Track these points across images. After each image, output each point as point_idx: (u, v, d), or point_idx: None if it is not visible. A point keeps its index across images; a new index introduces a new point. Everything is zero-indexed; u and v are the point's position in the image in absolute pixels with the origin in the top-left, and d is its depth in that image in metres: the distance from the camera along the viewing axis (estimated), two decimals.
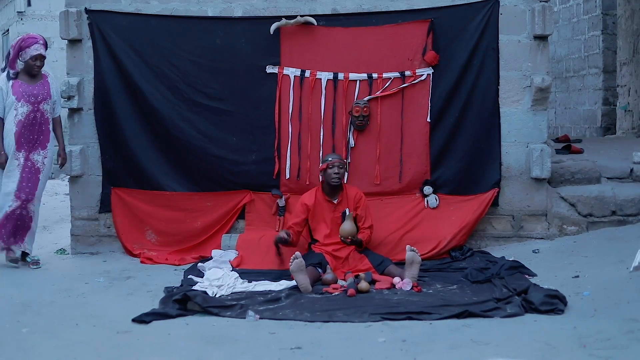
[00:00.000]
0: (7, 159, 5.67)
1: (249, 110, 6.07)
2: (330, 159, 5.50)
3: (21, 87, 5.72)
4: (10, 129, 5.67)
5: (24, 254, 5.80)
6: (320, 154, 5.97)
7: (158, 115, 6.07)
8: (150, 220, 6.11)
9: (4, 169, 5.68)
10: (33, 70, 5.73)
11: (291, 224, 5.52)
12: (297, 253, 4.90)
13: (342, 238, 5.31)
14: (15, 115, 5.67)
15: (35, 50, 5.67)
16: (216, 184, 6.10)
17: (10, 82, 5.73)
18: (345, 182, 5.76)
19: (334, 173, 5.42)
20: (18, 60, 5.71)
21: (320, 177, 5.61)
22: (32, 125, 5.73)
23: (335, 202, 5.51)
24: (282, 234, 5.39)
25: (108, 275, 5.35)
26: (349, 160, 5.97)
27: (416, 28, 5.95)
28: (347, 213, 5.39)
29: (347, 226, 5.30)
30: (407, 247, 5.06)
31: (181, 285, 4.99)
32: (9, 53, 5.80)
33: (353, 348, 3.71)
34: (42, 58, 5.73)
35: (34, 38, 5.74)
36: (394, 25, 5.98)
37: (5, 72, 5.79)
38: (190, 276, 5.19)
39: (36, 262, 5.75)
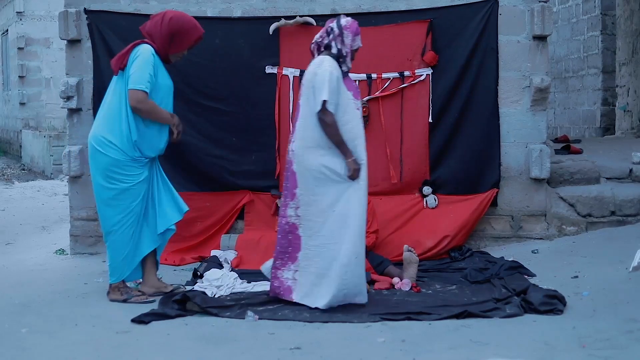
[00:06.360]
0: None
1: (249, 110, 6.06)
2: None
3: (350, 81, 4.67)
4: (358, 133, 4.65)
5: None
6: None
7: None
8: None
9: (354, 178, 4.56)
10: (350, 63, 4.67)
11: None
12: None
13: None
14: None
15: (359, 43, 4.69)
16: (216, 184, 6.10)
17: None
18: None
19: None
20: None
21: None
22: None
23: None
24: None
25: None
26: None
27: (415, 28, 5.95)
28: None
29: None
30: (405, 247, 5.07)
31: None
32: (340, 34, 4.60)
33: (352, 348, 3.71)
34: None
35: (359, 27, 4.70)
36: (393, 26, 5.98)
37: (334, 59, 4.56)
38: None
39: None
